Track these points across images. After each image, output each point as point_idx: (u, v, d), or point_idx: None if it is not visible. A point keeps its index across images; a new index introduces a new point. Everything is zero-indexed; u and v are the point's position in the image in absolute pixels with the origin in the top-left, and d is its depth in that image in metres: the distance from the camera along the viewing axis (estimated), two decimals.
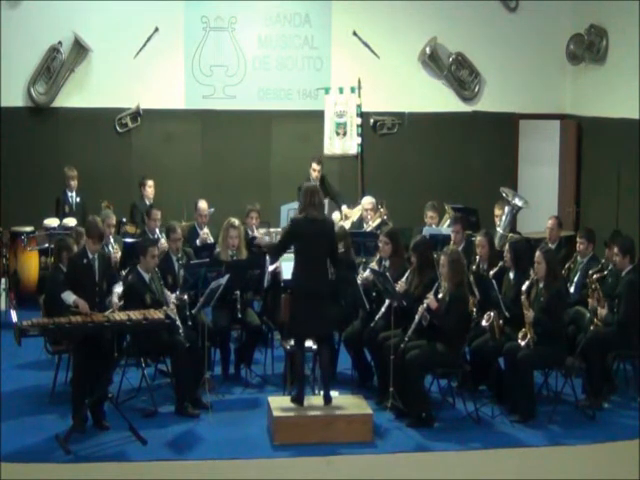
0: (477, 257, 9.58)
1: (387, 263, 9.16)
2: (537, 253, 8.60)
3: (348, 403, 8.32)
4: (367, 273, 9.23)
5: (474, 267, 9.50)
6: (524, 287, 8.52)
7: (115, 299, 8.30)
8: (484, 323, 8.68)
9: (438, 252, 9.28)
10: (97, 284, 8.17)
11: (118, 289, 8.41)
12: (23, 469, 7.39)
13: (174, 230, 9.61)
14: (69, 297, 8.10)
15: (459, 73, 13.98)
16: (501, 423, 8.42)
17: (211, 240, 10.83)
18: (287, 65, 13.77)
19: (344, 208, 12.14)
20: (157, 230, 10.96)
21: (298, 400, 8.20)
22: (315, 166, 12.61)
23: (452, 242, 10.05)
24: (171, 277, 9.20)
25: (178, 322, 8.56)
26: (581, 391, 8.92)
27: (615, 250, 9.06)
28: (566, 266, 9.89)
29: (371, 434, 8.01)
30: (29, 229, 12.17)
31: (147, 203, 12.19)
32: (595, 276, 9.15)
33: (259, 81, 13.72)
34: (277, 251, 8.65)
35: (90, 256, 8.18)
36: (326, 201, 11.37)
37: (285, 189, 13.01)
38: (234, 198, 12.65)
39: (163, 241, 10.14)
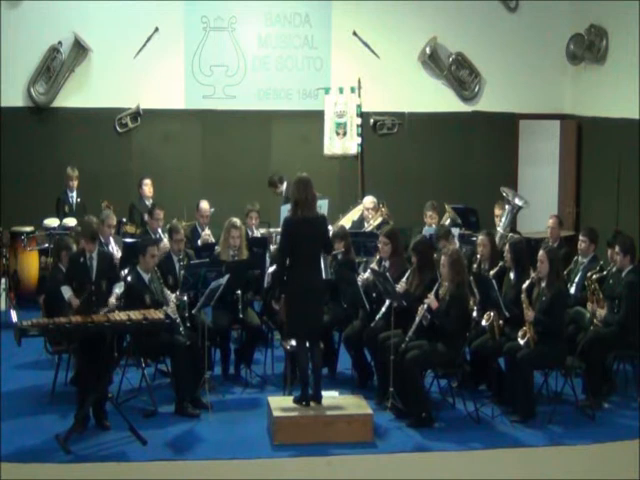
0: (477, 257, 9.58)
1: (387, 263, 9.16)
2: (540, 252, 8.61)
3: (348, 403, 8.32)
4: (367, 274, 9.23)
5: (474, 267, 9.50)
6: (524, 286, 8.53)
7: (113, 299, 8.28)
8: (484, 323, 8.69)
9: (438, 252, 9.29)
10: (93, 283, 8.17)
11: (118, 290, 8.39)
12: (23, 469, 7.39)
13: (177, 230, 9.59)
14: (66, 293, 8.22)
15: (459, 73, 13.98)
16: (501, 423, 8.42)
17: (212, 240, 10.83)
18: (287, 65, 13.77)
19: None
20: (159, 230, 10.96)
21: (304, 400, 8.20)
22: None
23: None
24: (172, 277, 9.20)
25: (178, 320, 8.58)
26: (581, 391, 8.92)
27: (616, 249, 9.06)
28: (568, 268, 9.90)
29: (371, 434, 8.00)
30: (29, 229, 12.17)
31: (146, 202, 12.20)
32: (594, 277, 9.16)
33: (259, 81, 13.72)
34: (283, 258, 8.31)
35: (87, 255, 8.21)
36: (326, 201, 11.39)
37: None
38: (234, 198, 12.63)
39: (166, 241, 10.11)
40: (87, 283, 8.17)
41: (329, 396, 8.39)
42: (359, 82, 13.79)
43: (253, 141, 13.74)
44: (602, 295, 9.08)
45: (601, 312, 8.98)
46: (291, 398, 8.34)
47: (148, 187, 12.37)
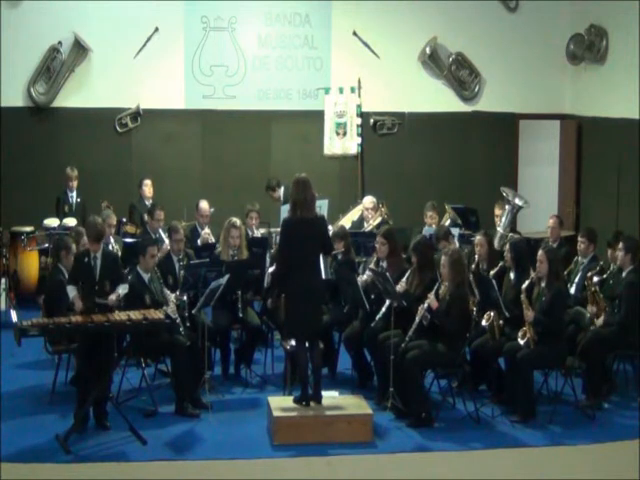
0: (475, 257, 9.57)
1: (385, 263, 9.14)
2: (540, 252, 8.60)
3: (348, 403, 8.32)
4: (366, 275, 9.20)
5: (472, 267, 9.49)
6: (524, 286, 8.53)
7: (113, 297, 8.21)
8: (484, 323, 8.68)
9: (438, 252, 9.28)
10: (97, 283, 8.17)
11: (122, 291, 8.33)
12: (23, 469, 7.39)
13: (176, 230, 9.60)
14: (71, 292, 8.18)
15: (459, 73, 13.98)
16: (501, 423, 8.42)
17: (212, 240, 10.83)
18: (287, 65, 13.77)
19: None
20: (160, 230, 10.95)
21: (304, 400, 8.19)
22: None
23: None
24: (172, 277, 9.20)
25: (178, 320, 8.58)
26: (581, 391, 8.92)
27: (619, 246, 9.06)
28: (568, 268, 9.89)
29: (371, 434, 8.00)
30: (29, 229, 12.17)
31: (146, 203, 12.20)
32: (595, 279, 9.15)
33: (259, 81, 13.72)
34: (283, 258, 8.34)
35: (92, 255, 8.20)
36: (325, 202, 11.38)
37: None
38: (234, 198, 12.64)
39: (167, 242, 10.08)
40: (90, 283, 8.15)
41: (329, 396, 8.39)
42: (359, 82, 13.79)
43: (253, 141, 13.74)
44: (602, 297, 9.08)
45: (600, 318, 8.98)
46: (291, 398, 8.34)
47: (148, 188, 12.38)
